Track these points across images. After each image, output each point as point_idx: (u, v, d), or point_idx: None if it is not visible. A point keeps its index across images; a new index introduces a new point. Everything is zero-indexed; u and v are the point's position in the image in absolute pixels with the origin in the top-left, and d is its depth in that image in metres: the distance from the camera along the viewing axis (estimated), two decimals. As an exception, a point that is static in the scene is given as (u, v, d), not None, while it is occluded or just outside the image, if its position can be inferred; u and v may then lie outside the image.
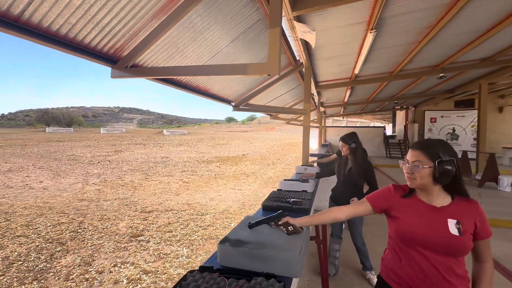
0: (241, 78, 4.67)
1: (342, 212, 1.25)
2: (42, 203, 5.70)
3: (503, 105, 13.23)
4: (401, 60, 5.72)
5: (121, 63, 2.45)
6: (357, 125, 25.62)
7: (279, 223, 1.27)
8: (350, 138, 2.58)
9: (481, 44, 5.07)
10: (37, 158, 13.08)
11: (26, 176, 8.70)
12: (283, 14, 2.99)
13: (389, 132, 19.80)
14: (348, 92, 8.64)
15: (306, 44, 4.35)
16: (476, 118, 13.25)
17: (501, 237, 3.71)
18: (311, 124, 11.46)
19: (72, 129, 61.21)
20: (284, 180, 2.85)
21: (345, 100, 10.44)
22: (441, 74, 6.41)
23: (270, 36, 1.86)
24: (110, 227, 4.25)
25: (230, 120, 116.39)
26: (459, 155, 8.24)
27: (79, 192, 6.86)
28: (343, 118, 31.33)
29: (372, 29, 3.76)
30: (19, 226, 4.59)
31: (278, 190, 2.55)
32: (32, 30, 1.85)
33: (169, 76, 2.36)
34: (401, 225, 1.08)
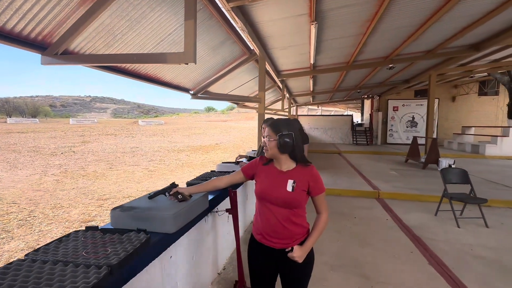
0: (195, 67, 4.75)
1: (222, 181, 1.49)
2: None
3: (455, 95, 14.38)
4: (352, 51, 6.07)
5: (51, 50, 2.47)
6: (331, 114, 26.55)
7: (170, 193, 1.49)
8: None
9: (421, 37, 5.53)
10: (-5, 150, 12.29)
11: (-21, 169, 8.23)
12: (221, 5, 3.12)
13: (359, 120, 20.77)
14: (311, 81, 8.97)
15: (256, 35, 4.52)
16: (435, 107, 14.37)
17: (422, 209, 4.25)
18: (282, 112, 11.77)
19: (37, 119, 57.16)
20: (222, 163, 3.07)
21: (311, 89, 10.81)
22: (390, 65, 6.89)
23: (186, 27, 2.01)
24: (62, 215, 4.28)
25: (209, 109, 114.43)
26: (410, 141, 8.97)
27: (35, 183, 6.68)
28: (318, 107, 32.24)
29: (313, 21, 4.00)
30: None
31: (211, 171, 2.76)
32: None
33: (100, 64, 2.43)
34: (258, 186, 1.34)
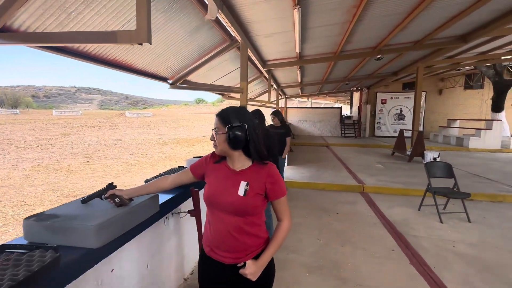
0: (170, 53, 4.41)
1: (166, 181, 1.25)
2: None
3: (442, 88, 14.48)
4: (339, 40, 5.84)
5: (-15, 27, 2.11)
6: (321, 106, 26.43)
7: (106, 196, 1.24)
8: (255, 116, 2.63)
9: (409, 26, 5.35)
10: (-37, 142, 11.48)
11: None
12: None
13: (348, 113, 20.77)
14: (299, 72, 8.72)
15: (236, 20, 4.21)
16: (422, 100, 14.45)
17: (406, 204, 4.16)
18: (270, 104, 11.51)
19: (18, 110, 54.64)
20: (194, 157, 2.83)
21: (300, 81, 10.57)
22: (378, 56, 6.71)
23: (138, 1, 1.71)
24: (23, 214, 3.94)
25: (199, 101, 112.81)
26: (397, 134, 8.95)
27: (1, 178, 6.23)
28: (308, 99, 32.09)
29: (296, 5, 3.72)
30: None
31: (179, 166, 2.51)
32: None
33: (43, 44, 2.09)
34: (206, 190, 1.11)
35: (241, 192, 1.04)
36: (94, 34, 1.84)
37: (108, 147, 11.22)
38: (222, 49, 5.06)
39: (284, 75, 9.72)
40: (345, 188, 4.93)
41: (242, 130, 1.05)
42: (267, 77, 8.47)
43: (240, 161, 1.11)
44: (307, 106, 24.04)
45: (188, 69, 5.22)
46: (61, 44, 1.97)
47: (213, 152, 1.19)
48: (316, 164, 7.07)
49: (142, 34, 1.74)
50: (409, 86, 14.61)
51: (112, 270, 1.37)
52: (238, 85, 8.47)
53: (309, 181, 5.15)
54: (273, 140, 4.07)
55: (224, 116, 1.07)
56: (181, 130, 21.43)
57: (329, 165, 7.03)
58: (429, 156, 6.99)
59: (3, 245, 0.94)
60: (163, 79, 5.13)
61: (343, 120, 16.15)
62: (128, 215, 1.22)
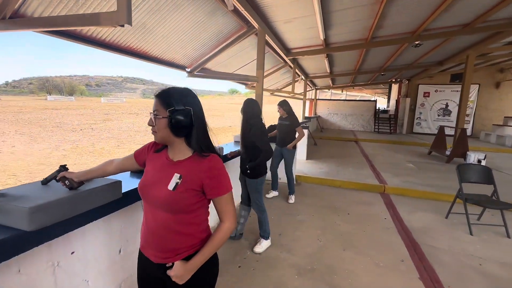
0: (186, 40, 4.39)
1: (111, 165, 1.18)
2: (0, 166, 5.89)
3: (501, 80, 12.53)
4: (369, 24, 5.29)
5: (-2, 14, 2.25)
6: (355, 99, 24.85)
7: (57, 178, 1.22)
8: (246, 104, 2.48)
9: (455, 5, 4.61)
10: (23, 124, 13.28)
11: (2, 141, 8.90)
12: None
13: (385, 106, 19.25)
14: (327, 61, 8.20)
15: (252, 4, 4.01)
16: (474, 94, 12.71)
17: (431, 210, 3.68)
18: (299, 96, 11.11)
19: (73, 97, 61.16)
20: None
21: (329, 71, 9.96)
22: (417, 42, 5.95)
23: (117, -21, 1.65)
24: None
25: (233, 92, 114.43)
26: (437, 131, 8.00)
27: (43, 157, 7.01)
28: (342, 92, 30.51)
29: (313, -16, 3.40)
30: None
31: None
32: None
33: (56, 28, 2.15)
34: (141, 180, 1.01)
35: (171, 186, 0.92)
36: (81, 17, 1.84)
37: (140, 133, 11.98)
38: (239, 36, 4.91)
39: (311, 65, 9.24)
40: (363, 187, 4.54)
41: (186, 114, 0.92)
42: (292, 66, 8.12)
43: (181, 151, 0.98)
44: (341, 99, 22.74)
45: (206, 57, 5.19)
46: (57, 28, 2.00)
47: None
48: (338, 160, 6.65)
49: (122, 15, 1.68)
50: (459, 78, 12.92)
51: (73, 253, 1.37)
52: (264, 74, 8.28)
53: (325, 177, 4.85)
54: (279, 131, 3.89)
55: (166, 98, 0.93)
56: (209, 120, 21.84)
57: (352, 161, 6.57)
58: (473, 157, 6.12)
59: None
60: (181, 67, 5.18)
61: (378, 114, 15.00)
62: (78, 200, 1.19)
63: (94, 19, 1.77)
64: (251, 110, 2.45)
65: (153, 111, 0.94)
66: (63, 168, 1.22)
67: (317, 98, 16.32)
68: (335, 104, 16.07)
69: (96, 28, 3.19)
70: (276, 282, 2.08)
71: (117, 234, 1.64)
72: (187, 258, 0.95)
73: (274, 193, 4.03)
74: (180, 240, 0.95)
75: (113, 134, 11.36)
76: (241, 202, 2.78)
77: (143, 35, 3.70)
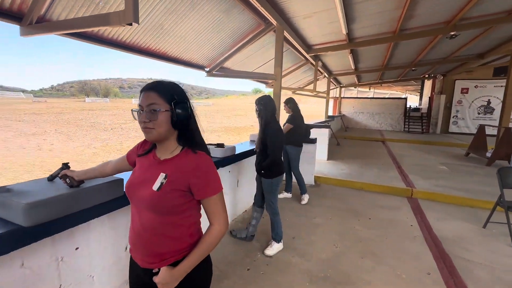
0: (204, 40, 4.42)
1: (108, 166, 1.16)
2: (39, 162, 6.44)
3: (556, 73, 11.04)
4: (396, 15, 4.92)
5: (26, 19, 2.41)
6: (384, 97, 23.57)
7: (59, 175, 1.24)
8: (259, 101, 2.39)
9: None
10: (62, 124, 14.48)
11: (43, 139, 9.76)
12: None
13: (417, 104, 18.03)
14: (351, 57, 7.82)
15: (270, 1, 3.91)
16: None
17: (467, 217, 3.31)
18: (322, 95, 10.78)
19: (108, 99, 65.61)
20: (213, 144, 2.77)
21: (353, 67, 9.51)
22: (452, 33, 5.43)
23: (125, -22, 1.66)
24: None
25: (256, 91, 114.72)
26: (476, 130, 7.27)
27: (76, 154, 7.54)
28: (369, 89, 29.14)
29: (332, -26, 3.21)
30: (5, 179, 5.31)
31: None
32: None
33: (72, 30, 2.25)
34: (128, 180, 0.97)
35: (155, 186, 0.87)
36: (94, 18, 1.89)
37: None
38: (257, 34, 4.84)
39: (335, 62, 8.88)
40: (388, 191, 4.23)
41: (186, 107, 0.89)
42: (314, 63, 7.87)
43: (169, 148, 0.93)
44: (368, 97, 21.64)
45: (224, 56, 5.19)
46: (73, 30, 2.08)
47: (145, 140, 1.04)
48: (362, 161, 6.31)
49: (129, 14, 1.69)
50: (504, 72, 11.64)
51: (77, 248, 1.40)
52: (284, 72, 8.13)
53: (345, 179, 4.61)
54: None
55: (164, 90, 0.87)
56: (233, 119, 22.20)
57: (377, 162, 6.19)
58: (519, 160, 5.45)
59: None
60: (200, 67, 5.24)
61: (408, 113, 14.06)
62: (77, 197, 1.20)
63: (105, 19, 1.81)
64: (265, 108, 2.37)
65: (148, 105, 0.85)
66: (66, 166, 1.24)
67: (341, 96, 15.73)
68: (361, 103, 15.37)
69: (117, 30, 3.31)
70: (284, 287, 1.98)
71: (123, 231, 1.65)
72: (175, 264, 0.90)
73: (286, 195, 3.90)
74: (167, 243, 0.90)
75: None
76: (253, 203, 2.70)
77: (161, 36, 3.78)
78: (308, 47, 6.53)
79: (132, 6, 1.66)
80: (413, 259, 2.40)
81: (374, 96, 24.78)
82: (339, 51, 6.85)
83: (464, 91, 12.38)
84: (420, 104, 16.70)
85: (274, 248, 2.41)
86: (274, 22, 4.31)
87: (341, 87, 15.30)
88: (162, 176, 0.88)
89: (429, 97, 13.51)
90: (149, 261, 0.90)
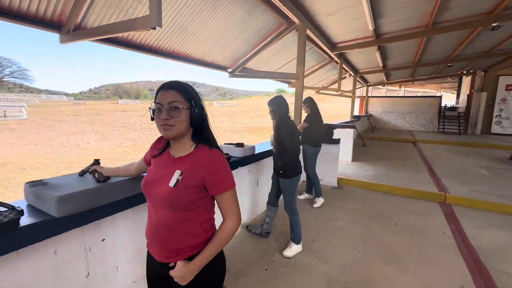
0: (226, 41, 4.50)
1: (133, 167, 1.24)
2: (77, 159, 7.00)
3: None
4: (429, 8, 4.61)
5: (64, 27, 2.64)
6: (415, 96, 22.17)
7: (89, 170, 1.33)
8: (272, 102, 2.40)
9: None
10: (98, 124, 15.63)
11: (81, 138, 10.62)
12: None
13: (453, 103, 16.72)
14: (378, 54, 7.46)
15: (293, 0, 3.88)
16: None
17: (509, 227, 3.00)
18: (348, 94, 10.45)
19: (138, 101, 69.42)
20: (225, 144, 2.81)
21: (381, 65, 9.07)
22: (494, 24, 4.94)
23: (149, -15, 1.75)
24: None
25: (280, 91, 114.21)
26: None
27: (109, 152, 8.07)
28: (400, 88, 27.61)
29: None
30: (48, 174, 5.83)
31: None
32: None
33: (104, 36, 2.43)
34: (144, 178, 1.01)
35: (172, 182, 0.90)
36: (121, 24, 2.01)
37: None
38: (279, 33, 4.82)
39: (361, 59, 8.55)
40: (418, 195, 3.97)
41: (202, 106, 0.94)
42: (338, 62, 7.64)
43: (184, 146, 0.97)
44: (397, 96, 20.44)
45: (246, 57, 5.24)
46: (104, 36, 2.24)
47: (159, 138, 1.09)
48: (389, 162, 6.00)
49: (153, 19, 1.77)
50: (558, 66, 10.38)
51: (104, 240, 1.49)
52: (308, 71, 7.99)
53: (371, 181, 4.41)
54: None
55: (184, 89, 0.92)
56: (256, 119, 22.31)
57: (406, 164, 5.84)
58: None
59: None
60: (222, 68, 5.34)
61: (444, 112, 13.08)
62: (103, 191, 1.28)
63: (131, 24, 1.92)
64: (278, 108, 2.37)
65: (169, 102, 0.89)
66: (96, 162, 1.34)
67: (368, 95, 15.08)
68: (390, 102, 14.61)
69: (145, 35, 3.49)
70: (302, 291, 1.94)
71: (145, 225, 1.73)
72: (190, 258, 0.93)
73: (307, 196, 3.82)
74: (182, 239, 0.93)
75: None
76: (267, 201, 2.70)
77: (185, 38, 3.91)
78: (332, 45, 6.36)
79: (156, 11, 1.74)
80: (443, 269, 2.23)
81: (405, 95, 23.40)
82: (365, 48, 6.57)
83: (510, 87, 11.24)
84: (457, 103, 15.46)
85: (293, 250, 2.38)
86: (296, 20, 4.26)
87: (368, 85, 14.68)
88: (177, 173, 0.91)
89: (468, 95, 12.45)
90: (165, 256, 0.94)
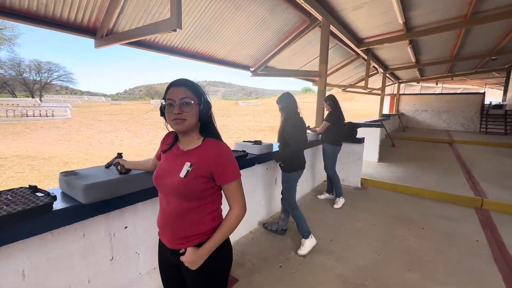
0: (248, 40, 4.55)
1: (150, 163, 1.33)
2: (111, 155, 7.56)
3: None
4: (467, -4, 4.24)
5: (98, 33, 2.87)
6: (455, 92, 20.44)
7: (113, 163, 1.45)
8: (280, 100, 2.44)
9: None
10: (131, 123, 16.70)
11: (116, 136, 11.44)
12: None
13: (499, 101, 15.15)
14: (410, 49, 7.02)
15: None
16: None
17: (559, 239, 2.66)
18: (377, 91, 10.00)
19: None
20: (243, 141, 2.85)
21: (414, 60, 8.52)
22: (547, 10, 4.40)
23: (170, -10, 1.84)
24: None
25: (306, 90, 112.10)
26: None
27: (139, 149, 8.60)
28: (436, 84, 25.69)
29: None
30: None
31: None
32: (17, 13, 2.41)
33: (132, 39, 2.61)
34: (155, 171, 1.08)
35: (182, 173, 0.96)
36: (146, 28, 2.14)
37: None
38: (301, 31, 4.77)
39: (391, 55, 8.11)
40: (450, 199, 3.69)
41: (208, 102, 1.02)
42: (366, 58, 7.33)
43: (192, 140, 1.03)
44: (432, 93, 19.00)
45: (268, 55, 5.26)
46: (131, 39, 2.40)
47: (168, 133, 1.16)
48: (420, 164, 5.63)
49: (173, 22, 1.87)
50: None
51: (126, 227, 1.62)
52: (332, 70, 7.78)
53: (397, 183, 4.18)
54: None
55: (193, 86, 0.99)
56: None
57: (439, 166, 5.44)
58: None
59: (30, 186, 1.27)
60: (244, 67, 5.40)
61: (487, 110, 11.92)
62: (124, 182, 1.39)
63: (155, 27, 2.04)
64: (285, 105, 2.43)
65: (181, 98, 0.95)
66: (119, 155, 1.46)
67: (399, 93, 14.24)
68: (424, 99, 13.66)
69: (170, 37, 3.67)
70: (316, 290, 1.92)
71: (164, 216, 1.84)
72: (199, 245, 0.99)
73: (327, 196, 3.73)
74: (192, 227, 0.99)
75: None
76: (281, 198, 2.70)
77: (208, 39, 4.03)
78: (358, 41, 6.12)
79: (176, 14, 1.83)
80: (475, 280, 2.06)
81: (443, 92, 21.66)
82: (395, 43, 6.23)
83: None
84: (504, 100, 13.98)
85: (306, 246, 2.35)
86: (319, 17, 4.18)
87: (399, 82, 13.86)
88: (187, 164, 0.97)
89: (517, 91, 11.20)
90: (176, 243, 1.01)
